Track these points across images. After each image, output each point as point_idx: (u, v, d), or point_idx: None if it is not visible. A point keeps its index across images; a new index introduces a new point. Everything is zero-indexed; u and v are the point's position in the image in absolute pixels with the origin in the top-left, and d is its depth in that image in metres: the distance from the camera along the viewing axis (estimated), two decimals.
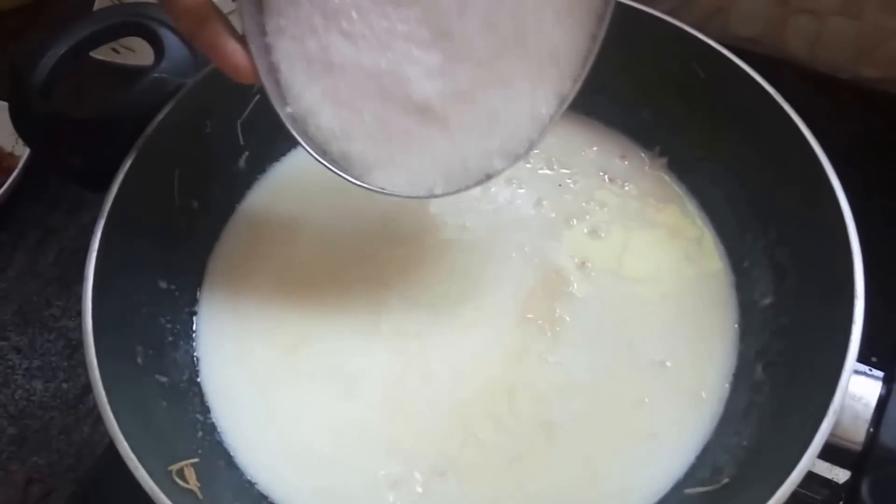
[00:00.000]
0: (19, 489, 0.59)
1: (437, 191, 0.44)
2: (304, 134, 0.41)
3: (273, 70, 0.40)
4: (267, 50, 0.39)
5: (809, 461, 0.36)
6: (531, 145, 0.43)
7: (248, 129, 0.54)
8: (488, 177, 0.44)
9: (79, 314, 0.66)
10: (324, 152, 0.42)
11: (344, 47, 0.39)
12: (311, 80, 0.40)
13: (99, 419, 0.61)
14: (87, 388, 0.64)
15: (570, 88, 0.43)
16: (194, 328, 0.50)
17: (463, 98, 0.41)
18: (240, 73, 0.37)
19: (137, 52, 0.76)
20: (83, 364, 0.64)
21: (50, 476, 0.60)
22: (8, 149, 0.74)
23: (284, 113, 0.41)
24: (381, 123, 0.41)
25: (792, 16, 0.73)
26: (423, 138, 0.42)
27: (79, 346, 0.66)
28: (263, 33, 0.39)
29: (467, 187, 0.44)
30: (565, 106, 0.43)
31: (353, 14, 0.38)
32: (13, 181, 0.71)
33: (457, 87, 0.40)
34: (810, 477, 0.50)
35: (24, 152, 0.73)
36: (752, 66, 0.50)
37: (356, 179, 0.43)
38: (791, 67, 0.76)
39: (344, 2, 0.38)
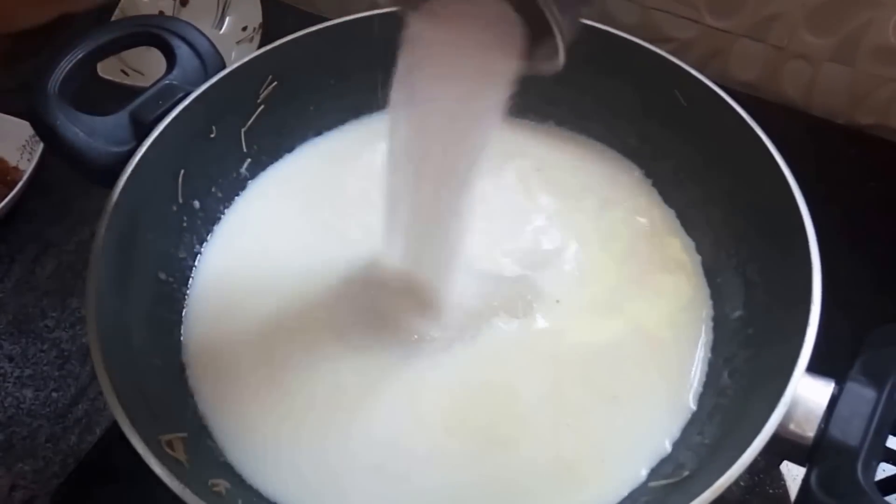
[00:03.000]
0: (3, 494, 0.61)
1: None
2: None
3: None
4: None
5: (760, 445, 0.41)
6: None
7: (251, 137, 0.60)
8: None
9: (72, 326, 0.72)
10: None
11: None
12: None
13: (86, 429, 0.66)
14: (77, 398, 0.67)
15: None
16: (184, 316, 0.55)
17: None
18: None
19: (146, 75, 0.82)
20: (74, 374, 0.70)
21: (34, 483, 0.63)
22: (13, 163, 0.79)
23: None
24: None
25: (788, 61, 0.79)
26: None
27: (70, 356, 0.70)
28: None
29: None
30: None
31: None
32: (16, 194, 0.75)
33: None
34: None
35: (28, 167, 0.77)
36: (750, 109, 0.54)
37: None
38: (787, 112, 0.81)
39: None
